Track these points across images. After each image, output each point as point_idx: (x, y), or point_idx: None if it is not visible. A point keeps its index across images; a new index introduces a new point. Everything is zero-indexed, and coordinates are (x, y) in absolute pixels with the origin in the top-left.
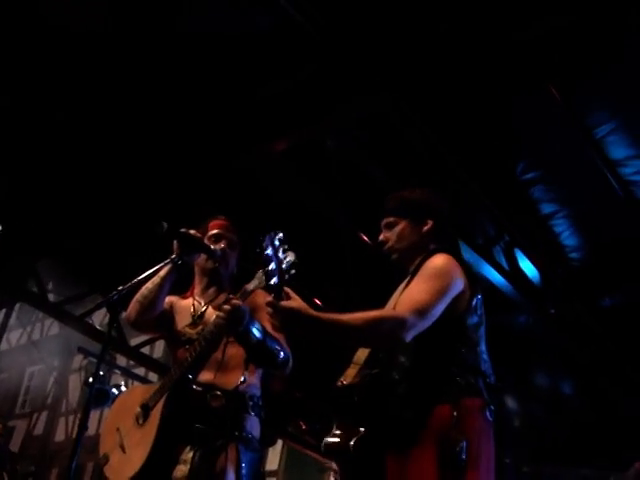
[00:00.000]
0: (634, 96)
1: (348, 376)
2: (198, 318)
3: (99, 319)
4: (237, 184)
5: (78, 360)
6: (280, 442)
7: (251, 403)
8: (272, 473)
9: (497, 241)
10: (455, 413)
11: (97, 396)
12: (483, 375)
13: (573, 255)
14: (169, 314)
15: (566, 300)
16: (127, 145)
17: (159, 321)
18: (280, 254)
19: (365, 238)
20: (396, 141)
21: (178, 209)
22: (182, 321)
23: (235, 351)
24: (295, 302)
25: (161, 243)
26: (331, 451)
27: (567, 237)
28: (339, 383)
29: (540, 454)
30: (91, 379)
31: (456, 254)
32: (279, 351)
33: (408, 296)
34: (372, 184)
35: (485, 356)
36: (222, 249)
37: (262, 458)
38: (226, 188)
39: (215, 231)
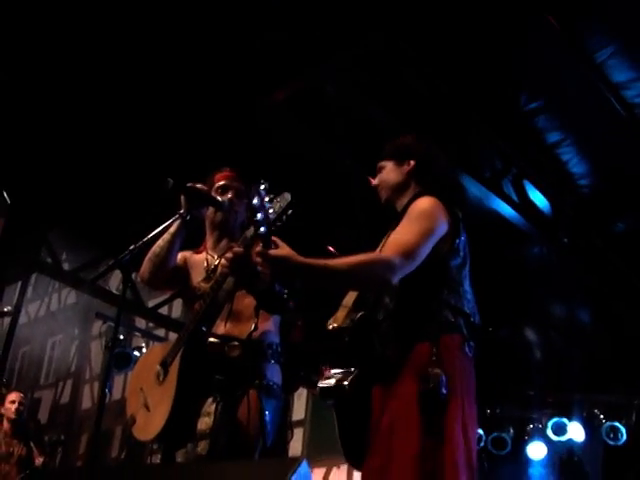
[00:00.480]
0: (633, 18)
1: (338, 319)
2: (212, 272)
3: (115, 283)
4: (240, 137)
5: (98, 326)
6: (305, 392)
7: (270, 351)
8: (299, 423)
9: (505, 174)
10: (434, 349)
11: (119, 360)
12: (465, 314)
13: (582, 182)
14: (183, 269)
15: (578, 228)
16: (128, 104)
17: (173, 277)
18: (267, 203)
19: (372, 180)
20: (395, 82)
21: (182, 165)
22: (197, 276)
23: (249, 301)
24: (283, 250)
25: (168, 200)
26: (327, 394)
27: (575, 165)
28: (329, 326)
29: (563, 383)
30: (110, 343)
31: (443, 196)
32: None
33: (394, 239)
34: (374, 127)
35: (469, 296)
36: (229, 199)
37: (286, 406)
38: (229, 142)
39: (221, 182)
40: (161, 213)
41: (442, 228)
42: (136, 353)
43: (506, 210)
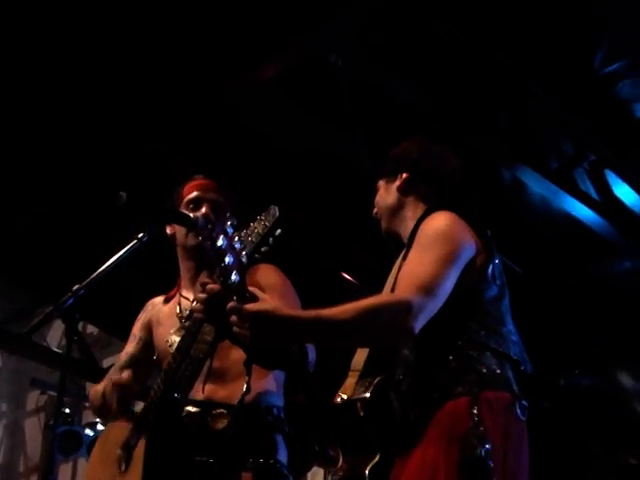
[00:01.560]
0: None
1: (347, 388)
2: (187, 319)
3: (56, 338)
4: (216, 129)
5: (34, 397)
6: (322, 472)
7: (269, 417)
8: None
9: (579, 162)
10: (475, 409)
11: (65, 442)
12: (512, 361)
13: None
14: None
15: None
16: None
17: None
18: (237, 243)
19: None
20: (423, 41)
21: (139, 174)
22: (168, 328)
23: (236, 354)
24: (265, 303)
25: (121, 221)
26: None
27: None
28: (338, 399)
29: None
30: (52, 420)
31: (462, 210)
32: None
33: (407, 272)
34: (395, 109)
35: (514, 337)
36: (204, 215)
37: None
38: (201, 136)
39: (193, 195)
40: (112, 241)
41: (467, 250)
42: (89, 432)
43: (582, 211)
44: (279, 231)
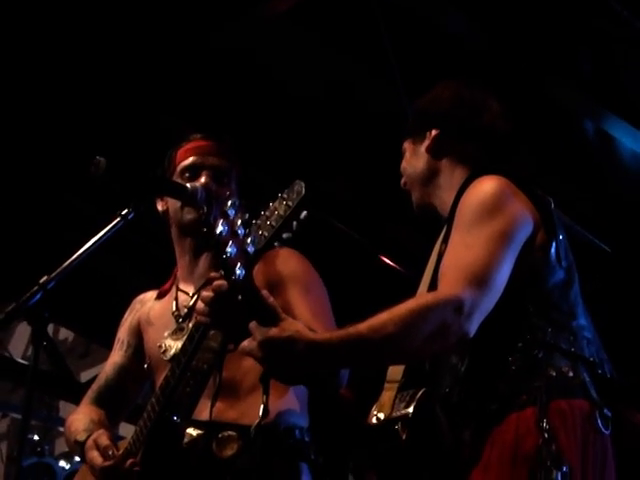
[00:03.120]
0: None
1: (384, 404)
2: (185, 319)
3: (20, 346)
4: (224, 75)
5: None
6: None
7: (290, 441)
8: None
9: None
10: (544, 422)
11: (34, 478)
12: (588, 363)
13: None
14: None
15: None
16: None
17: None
18: (240, 229)
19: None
20: None
21: (120, 132)
22: (161, 330)
23: (249, 364)
24: (287, 327)
25: (100, 193)
26: None
27: None
28: (373, 418)
29: None
30: (16, 451)
31: (513, 173)
32: None
33: (452, 260)
34: (448, 41)
35: (588, 333)
36: (204, 185)
37: None
38: (201, 85)
39: (189, 160)
40: (88, 220)
41: (525, 226)
42: (64, 465)
43: None
44: (305, 213)
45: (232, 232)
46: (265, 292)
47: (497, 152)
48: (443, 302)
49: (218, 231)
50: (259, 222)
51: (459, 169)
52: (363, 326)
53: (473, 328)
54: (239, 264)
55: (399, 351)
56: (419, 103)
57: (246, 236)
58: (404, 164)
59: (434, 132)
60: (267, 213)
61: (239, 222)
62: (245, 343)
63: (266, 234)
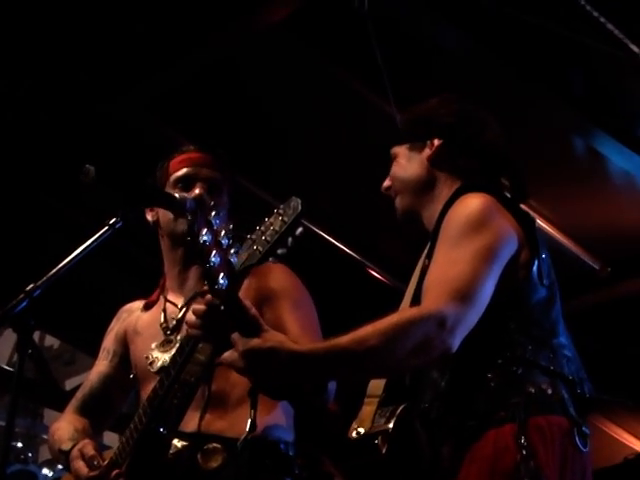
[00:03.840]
0: None
1: (364, 420)
2: (174, 331)
3: (5, 352)
4: (212, 88)
5: None
6: None
7: (275, 455)
8: None
9: None
10: (523, 439)
11: None
12: (567, 382)
13: None
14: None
15: None
16: None
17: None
18: (224, 239)
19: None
20: None
21: (111, 141)
22: (148, 341)
23: (237, 377)
24: (269, 338)
25: (88, 202)
26: None
27: None
28: (353, 433)
29: None
30: None
31: (501, 191)
32: None
33: (437, 275)
34: (438, 53)
35: (569, 352)
36: (196, 197)
37: None
38: (191, 96)
39: (183, 171)
40: (75, 229)
41: (509, 243)
42: (47, 472)
43: None
44: (301, 229)
45: (216, 242)
46: (248, 303)
47: (493, 170)
48: (426, 317)
49: (202, 240)
50: (254, 237)
51: (455, 183)
52: (346, 338)
53: (456, 343)
54: (222, 274)
55: (381, 364)
56: (418, 111)
57: (230, 246)
58: (396, 169)
59: (437, 142)
60: (262, 228)
61: (223, 232)
62: (227, 354)
63: (261, 249)
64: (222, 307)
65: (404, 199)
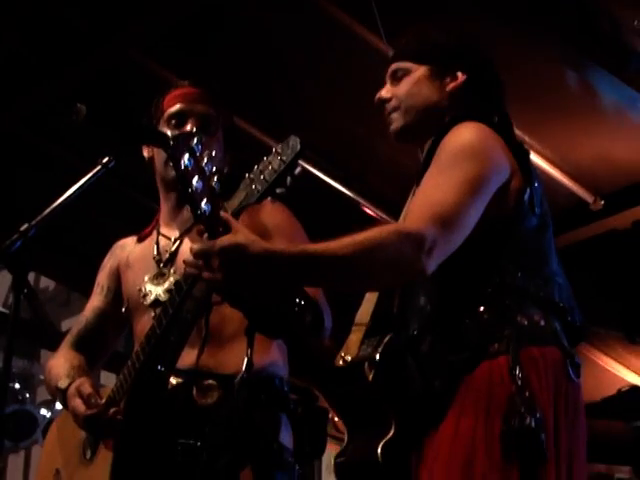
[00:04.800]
0: None
1: (351, 348)
2: (167, 263)
3: (1, 296)
4: (206, 29)
5: None
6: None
7: (270, 391)
8: None
9: None
10: (517, 370)
11: (15, 426)
12: (559, 310)
13: None
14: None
15: None
16: None
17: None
18: (207, 165)
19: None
20: None
21: (101, 76)
22: (141, 273)
23: (232, 312)
24: (238, 235)
25: (80, 140)
26: (349, 474)
27: None
28: (340, 361)
29: None
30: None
31: (495, 121)
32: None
33: (421, 198)
34: None
35: (560, 279)
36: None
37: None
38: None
39: (176, 107)
40: (68, 168)
41: (500, 172)
42: (45, 413)
43: None
44: (299, 169)
45: (198, 167)
46: (227, 217)
47: (497, 105)
48: (404, 235)
49: (183, 166)
50: (252, 176)
51: (450, 112)
52: (321, 244)
53: (431, 266)
54: (205, 199)
55: (352, 274)
56: (442, 39)
57: (213, 173)
58: (409, 87)
59: (462, 76)
60: (261, 167)
61: (206, 158)
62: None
63: (259, 188)
64: (206, 233)
65: (409, 116)
